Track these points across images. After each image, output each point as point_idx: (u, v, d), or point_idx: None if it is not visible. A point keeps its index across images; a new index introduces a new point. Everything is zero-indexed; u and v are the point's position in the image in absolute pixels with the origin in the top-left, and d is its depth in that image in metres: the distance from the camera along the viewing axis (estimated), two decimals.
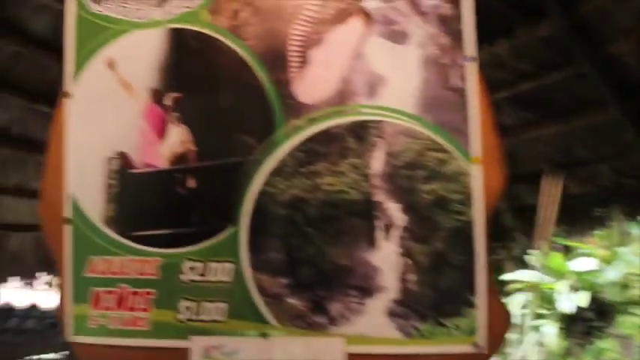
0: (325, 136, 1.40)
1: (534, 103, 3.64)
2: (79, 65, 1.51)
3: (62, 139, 1.51)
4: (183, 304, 1.38)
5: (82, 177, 1.48)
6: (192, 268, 1.39)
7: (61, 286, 1.44)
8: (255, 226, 1.39)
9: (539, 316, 4.50)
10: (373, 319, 1.34)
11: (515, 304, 4.56)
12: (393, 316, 1.33)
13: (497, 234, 4.08)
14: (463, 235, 1.36)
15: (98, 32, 1.50)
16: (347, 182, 1.39)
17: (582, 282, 4.43)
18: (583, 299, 4.27)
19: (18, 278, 4.02)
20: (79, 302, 1.43)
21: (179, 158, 1.44)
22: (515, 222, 3.90)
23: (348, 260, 1.36)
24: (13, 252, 3.78)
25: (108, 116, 1.48)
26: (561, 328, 4.36)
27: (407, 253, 1.36)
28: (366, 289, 1.35)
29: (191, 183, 1.43)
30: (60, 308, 1.44)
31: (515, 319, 4.50)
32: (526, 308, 4.52)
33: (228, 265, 1.38)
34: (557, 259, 4.48)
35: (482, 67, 3.58)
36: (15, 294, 8.07)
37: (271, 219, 1.39)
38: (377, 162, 1.39)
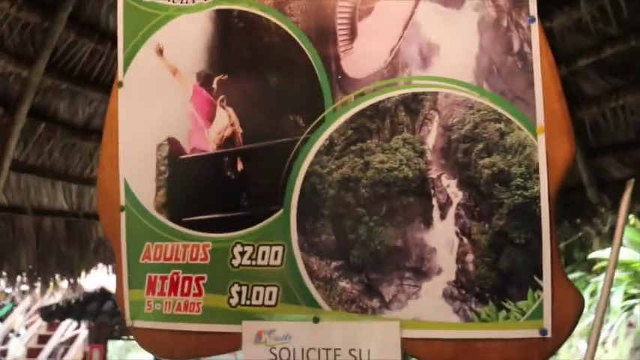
0: (375, 111, 1.33)
1: (621, 69, 3.37)
2: (130, 54, 1.52)
3: (116, 128, 1.52)
4: (235, 288, 1.37)
5: (135, 165, 1.49)
6: (242, 253, 1.37)
7: (118, 272, 1.46)
8: (305, 207, 1.35)
9: (631, 296, 4.23)
10: (429, 303, 1.26)
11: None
12: (450, 299, 1.25)
13: (582, 209, 3.85)
14: (527, 211, 1.25)
15: (147, 20, 1.50)
16: (399, 159, 1.31)
17: None
18: None
19: (107, 265, 4.21)
20: (135, 288, 1.44)
21: (227, 141, 1.41)
22: (600, 197, 3.64)
23: (401, 241, 1.29)
24: (100, 239, 3.95)
25: (158, 103, 1.48)
26: None
27: (465, 232, 1.27)
28: (421, 271, 1.28)
29: (240, 166, 1.40)
30: (118, 294, 1.46)
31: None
32: (616, 287, 4.25)
33: (278, 249, 1.34)
34: None
35: (564, 31, 3.38)
36: (107, 279, 8.51)
37: (321, 199, 1.34)
38: (431, 136, 1.30)
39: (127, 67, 1.52)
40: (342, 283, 1.31)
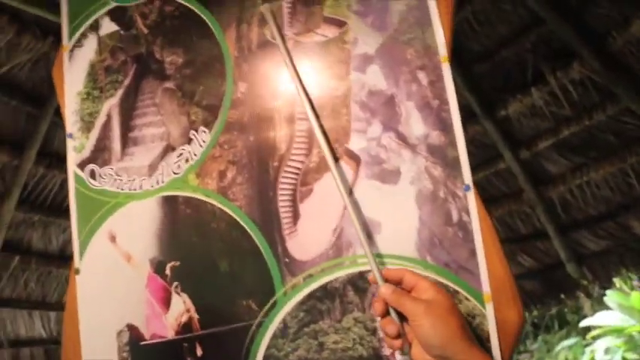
0: (325, 292, 1.35)
1: (580, 147, 3.47)
2: (85, 241, 1.54)
3: (76, 312, 1.53)
4: None
5: (97, 350, 1.49)
6: None
7: None
8: None
9: None
10: None
11: (600, 350, 4.28)
12: None
13: (564, 285, 3.87)
14: None
15: (98, 207, 1.53)
16: (353, 338, 1.33)
17: None
18: None
19: None
20: None
21: (185, 327, 1.42)
22: (580, 270, 3.67)
23: None
24: None
25: (115, 289, 1.50)
26: None
27: None
28: None
29: (199, 351, 1.41)
30: None
31: None
32: (611, 354, 4.22)
33: None
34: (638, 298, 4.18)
35: (520, 117, 3.49)
36: None
37: None
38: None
39: (82, 253, 1.54)
40: None
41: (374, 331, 1.34)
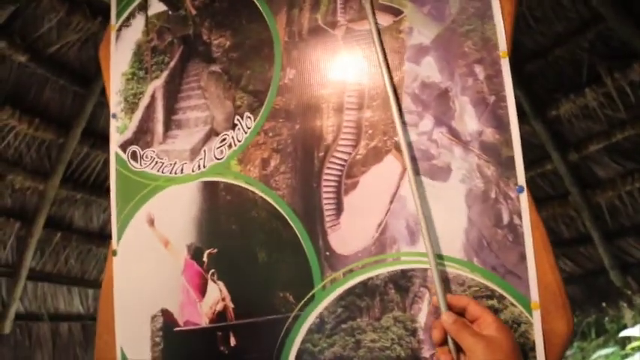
0: (365, 289, 1.31)
1: (633, 152, 3.34)
2: (124, 223, 1.53)
3: (112, 296, 1.52)
4: None
5: (131, 334, 1.48)
6: None
7: None
8: None
9: None
10: None
11: None
12: None
13: (606, 293, 3.75)
14: None
15: (138, 189, 1.52)
16: (391, 338, 1.28)
17: None
18: None
19: None
20: None
21: (219, 316, 1.40)
22: (624, 279, 3.54)
23: None
24: None
25: (151, 273, 1.48)
26: None
27: None
28: None
29: (232, 341, 1.38)
30: None
31: None
32: None
33: None
34: None
35: (572, 118, 3.37)
36: None
37: None
38: (423, 314, 1.27)
39: (120, 235, 1.53)
40: None
41: (414, 332, 1.29)
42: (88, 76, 3.08)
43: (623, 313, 4.98)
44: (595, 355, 5.01)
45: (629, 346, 4.44)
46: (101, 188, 3.40)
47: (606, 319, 5.09)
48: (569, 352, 5.48)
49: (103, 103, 3.09)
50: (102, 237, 3.53)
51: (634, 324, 4.48)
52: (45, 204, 3.19)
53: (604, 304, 3.75)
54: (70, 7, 2.75)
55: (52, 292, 3.55)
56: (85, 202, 3.45)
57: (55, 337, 3.61)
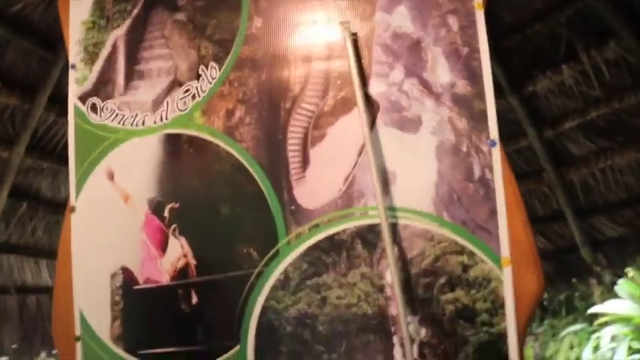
0: (331, 244, 1.26)
1: (607, 131, 3.33)
2: (82, 178, 1.47)
3: (69, 255, 1.46)
4: None
5: (90, 293, 1.43)
6: None
7: None
8: (262, 343, 1.27)
9: (636, 351, 4.08)
10: None
11: (606, 337, 4.17)
12: None
13: (576, 269, 3.77)
14: (494, 348, 1.17)
15: (98, 143, 1.45)
16: (358, 294, 1.24)
17: None
18: None
19: None
20: None
21: (180, 273, 1.35)
22: (595, 256, 3.56)
23: None
24: None
25: (110, 230, 1.43)
26: None
27: None
28: None
29: (194, 299, 1.33)
30: None
31: (607, 353, 4.12)
32: (617, 342, 4.11)
33: None
34: None
35: (548, 94, 3.37)
36: None
37: (278, 336, 1.26)
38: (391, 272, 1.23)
39: (79, 191, 1.46)
40: None
41: (381, 289, 1.25)
42: (55, 38, 2.95)
43: (592, 291, 5.04)
44: (564, 332, 5.07)
45: (596, 322, 4.48)
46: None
47: (576, 295, 5.15)
48: (539, 330, 5.53)
49: None
50: None
51: (602, 301, 4.53)
52: (9, 173, 3.08)
53: (574, 281, 3.77)
54: None
55: (19, 265, 3.44)
56: (52, 172, 3.34)
57: (23, 310, 3.52)
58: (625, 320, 4.28)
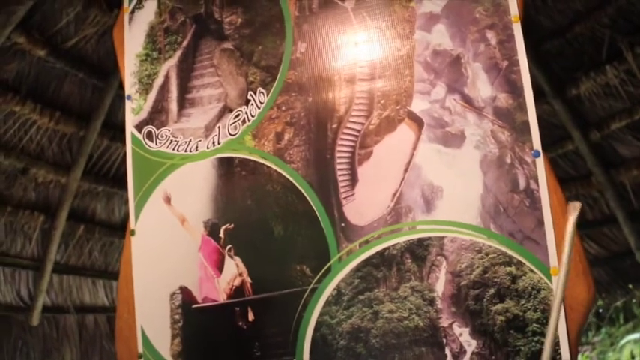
0: (381, 259, 1.30)
1: None
2: (141, 202, 1.55)
3: (131, 275, 1.54)
4: None
5: (151, 312, 1.50)
6: None
7: None
8: (317, 357, 1.32)
9: None
10: None
11: None
12: None
13: (632, 274, 3.68)
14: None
15: (154, 168, 1.53)
16: (409, 308, 1.27)
17: None
18: None
19: None
20: None
21: (237, 291, 1.41)
22: None
23: None
24: None
25: (169, 251, 1.50)
26: None
27: None
28: None
29: (251, 316, 1.39)
30: None
31: None
32: None
33: None
34: None
35: (592, 96, 3.33)
36: None
37: (332, 350, 1.31)
38: (440, 283, 1.26)
39: (138, 215, 1.54)
40: None
41: (431, 302, 1.28)
42: (106, 69, 3.10)
43: None
44: (624, 341, 4.93)
45: None
46: (122, 181, 3.42)
47: (634, 301, 5.00)
48: (597, 339, 5.39)
49: (122, 96, 3.12)
50: (124, 229, 3.53)
51: None
52: (68, 197, 3.22)
53: (631, 286, 3.68)
54: (86, 0, 2.78)
55: (78, 285, 3.58)
56: (106, 195, 3.48)
57: (82, 328, 3.65)
58: None
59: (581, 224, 3.53)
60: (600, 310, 5.19)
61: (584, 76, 3.22)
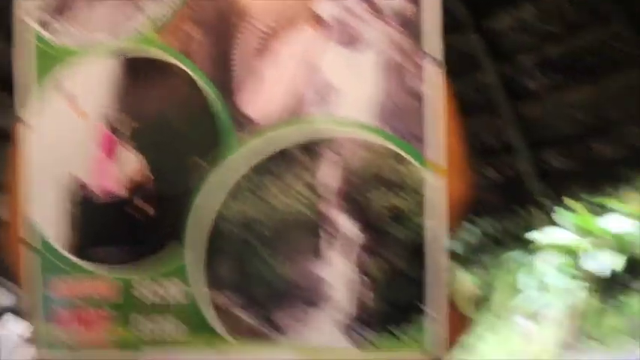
0: (276, 153, 1.35)
1: (562, 66, 3.44)
2: (35, 93, 1.48)
3: (20, 165, 1.49)
4: (137, 320, 1.40)
5: (41, 201, 1.46)
6: (143, 286, 1.39)
7: (26, 306, 1.47)
8: (210, 246, 1.37)
9: (571, 278, 4.32)
10: (323, 331, 1.33)
11: (544, 263, 4.40)
12: (343, 328, 1.32)
13: (522, 199, 3.94)
14: (422, 248, 1.30)
15: (54, 61, 1.47)
16: (301, 200, 1.34)
17: (617, 242, 4.16)
18: (618, 262, 4.04)
19: None
20: (43, 320, 1.45)
21: (136, 186, 1.42)
22: (541, 187, 3.73)
23: (299, 276, 1.34)
24: None
25: (66, 145, 1.46)
26: (594, 290, 4.17)
27: (362, 268, 1.32)
28: (316, 302, 1.34)
29: (150, 210, 1.41)
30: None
31: (546, 279, 4.35)
32: (555, 269, 4.35)
33: (179, 283, 1.38)
34: (588, 218, 4.21)
35: (507, 30, 3.42)
36: None
37: (224, 240, 1.36)
38: (331, 178, 1.34)
39: (34, 107, 1.48)
40: (244, 314, 1.35)
41: (322, 196, 1.35)
42: None
43: (536, 221, 5.24)
44: (503, 257, 5.27)
45: (532, 246, 4.64)
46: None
47: (521, 225, 5.33)
48: (485, 258, 5.75)
49: None
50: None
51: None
52: None
53: (520, 211, 3.94)
54: None
55: None
56: None
57: None
58: (561, 248, 4.47)
59: (484, 152, 3.74)
60: (491, 232, 5.51)
61: (502, 11, 3.31)
